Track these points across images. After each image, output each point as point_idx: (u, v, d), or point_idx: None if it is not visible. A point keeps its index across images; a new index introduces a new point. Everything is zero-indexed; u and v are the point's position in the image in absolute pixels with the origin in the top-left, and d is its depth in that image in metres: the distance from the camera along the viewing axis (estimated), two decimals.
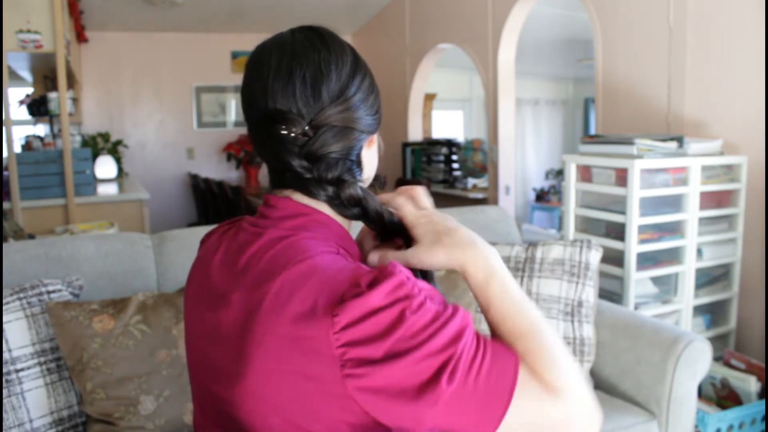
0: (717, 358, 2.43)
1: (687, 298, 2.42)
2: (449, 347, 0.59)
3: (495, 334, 0.67)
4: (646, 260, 2.39)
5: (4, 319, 1.53)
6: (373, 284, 0.61)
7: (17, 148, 3.72)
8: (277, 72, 0.70)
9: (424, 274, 0.73)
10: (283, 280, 0.64)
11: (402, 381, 0.58)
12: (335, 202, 0.73)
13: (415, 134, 5.62)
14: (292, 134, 0.69)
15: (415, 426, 0.60)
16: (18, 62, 4.08)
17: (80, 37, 5.43)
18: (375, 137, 0.78)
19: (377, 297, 0.60)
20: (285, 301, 0.62)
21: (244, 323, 0.66)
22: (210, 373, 0.72)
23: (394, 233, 0.75)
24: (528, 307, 0.66)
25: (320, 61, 0.70)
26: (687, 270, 2.40)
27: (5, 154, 3.38)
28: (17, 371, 1.51)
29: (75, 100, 4.16)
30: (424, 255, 0.70)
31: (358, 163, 0.74)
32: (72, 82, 4.10)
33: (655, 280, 2.44)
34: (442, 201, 5.11)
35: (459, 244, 0.68)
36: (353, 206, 0.73)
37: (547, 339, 0.64)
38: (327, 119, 0.70)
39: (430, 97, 6.63)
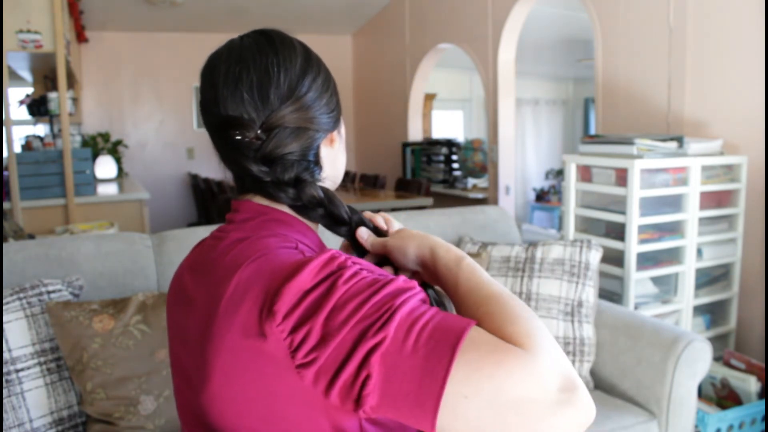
0: (717, 358, 2.43)
1: (687, 298, 2.42)
2: (385, 304, 0.57)
3: (461, 312, 0.65)
4: (646, 260, 2.39)
5: (4, 319, 1.53)
6: (303, 266, 0.60)
7: (17, 148, 3.72)
8: (225, 78, 0.71)
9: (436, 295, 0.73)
10: (237, 280, 0.64)
11: (344, 351, 0.56)
12: (298, 206, 0.73)
13: (415, 134, 5.62)
14: (246, 139, 0.70)
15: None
16: (18, 62, 4.08)
17: (80, 37, 5.43)
18: (335, 135, 0.77)
19: (307, 276, 0.59)
20: (238, 302, 0.62)
21: (204, 328, 0.66)
22: (184, 378, 0.72)
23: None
24: (495, 284, 0.65)
25: (267, 65, 0.71)
26: (687, 270, 2.41)
27: (5, 154, 3.38)
28: (17, 371, 1.51)
29: (75, 100, 4.16)
30: (396, 241, 0.73)
31: (317, 163, 0.74)
32: (72, 82, 4.10)
33: (655, 280, 2.44)
34: (442, 201, 5.11)
35: (427, 236, 0.73)
36: (315, 207, 0.73)
37: (512, 303, 0.61)
38: (279, 121, 0.70)
39: (430, 97, 6.64)
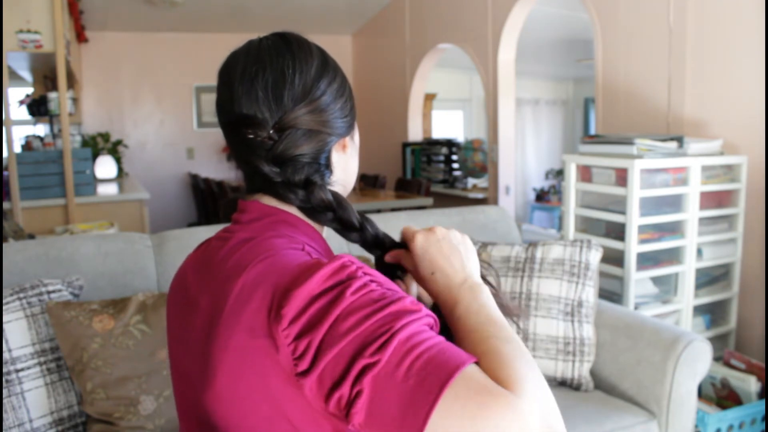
0: (717, 358, 2.43)
1: (687, 298, 2.42)
2: (387, 323, 0.57)
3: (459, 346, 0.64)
4: (646, 260, 2.39)
5: (4, 319, 1.53)
6: (314, 271, 0.60)
7: (17, 148, 3.72)
8: (242, 78, 0.72)
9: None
10: (244, 281, 0.64)
11: (339, 366, 0.56)
12: (307, 208, 0.73)
13: (415, 134, 5.62)
14: (259, 138, 0.70)
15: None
16: (18, 62, 4.08)
17: (80, 37, 5.43)
18: (348, 141, 0.77)
19: (317, 282, 0.60)
20: (244, 303, 0.62)
21: (209, 328, 0.66)
22: (185, 379, 0.72)
23: (377, 247, 0.77)
24: (492, 323, 0.64)
25: (283, 66, 0.71)
26: (687, 270, 2.40)
27: (5, 154, 3.38)
28: (17, 371, 1.51)
29: (75, 100, 4.16)
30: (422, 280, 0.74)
31: (328, 166, 0.75)
32: (72, 82, 4.10)
33: (655, 280, 2.44)
34: (442, 201, 5.11)
35: (431, 278, 0.73)
36: (324, 210, 0.73)
37: (506, 344, 0.60)
38: (292, 122, 0.70)
39: (430, 97, 6.64)
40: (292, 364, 0.58)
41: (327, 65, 0.75)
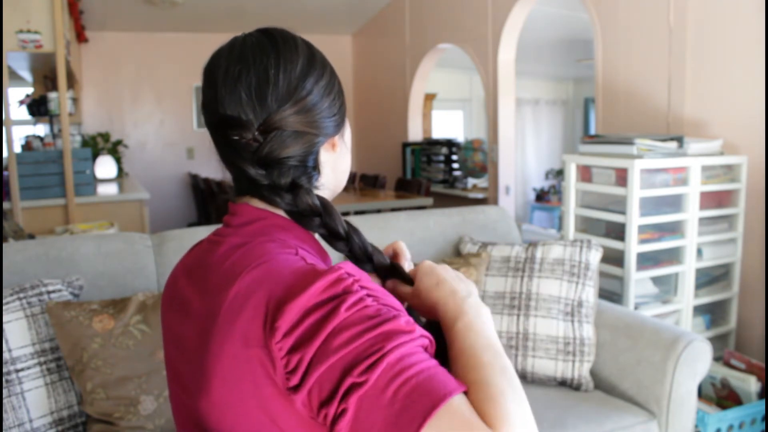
0: (717, 358, 2.43)
1: (687, 298, 2.42)
2: (378, 343, 0.56)
3: (453, 372, 0.63)
4: (646, 260, 2.39)
5: (4, 319, 1.53)
6: (310, 282, 0.59)
7: (17, 148, 3.72)
8: (225, 78, 0.70)
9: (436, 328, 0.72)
10: (238, 288, 0.63)
11: (329, 383, 0.56)
12: (294, 212, 0.71)
13: (415, 134, 5.62)
14: (243, 140, 0.68)
15: None
16: (18, 62, 4.08)
17: (80, 37, 5.43)
18: (337, 140, 0.75)
19: (312, 295, 0.59)
20: (238, 312, 0.61)
21: (203, 335, 0.65)
22: (180, 383, 0.72)
23: (365, 261, 0.74)
24: (489, 348, 0.63)
25: (267, 66, 0.69)
26: (687, 270, 2.40)
27: (5, 154, 3.38)
28: (17, 371, 1.51)
29: (75, 100, 4.16)
30: (415, 302, 0.73)
31: (315, 168, 0.72)
32: (72, 82, 4.10)
33: (655, 280, 2.44)
34: (442, 201, 5.11)
35: (434, 291, 0.71)
36: (311, 215, 0.71)
37: (499, 375, 0.59)
38: (277, 123, 0.68)
39: (430, 97, 6.64)
40: (284, 377, 0.57)
41: (314, 62, 0.72)
